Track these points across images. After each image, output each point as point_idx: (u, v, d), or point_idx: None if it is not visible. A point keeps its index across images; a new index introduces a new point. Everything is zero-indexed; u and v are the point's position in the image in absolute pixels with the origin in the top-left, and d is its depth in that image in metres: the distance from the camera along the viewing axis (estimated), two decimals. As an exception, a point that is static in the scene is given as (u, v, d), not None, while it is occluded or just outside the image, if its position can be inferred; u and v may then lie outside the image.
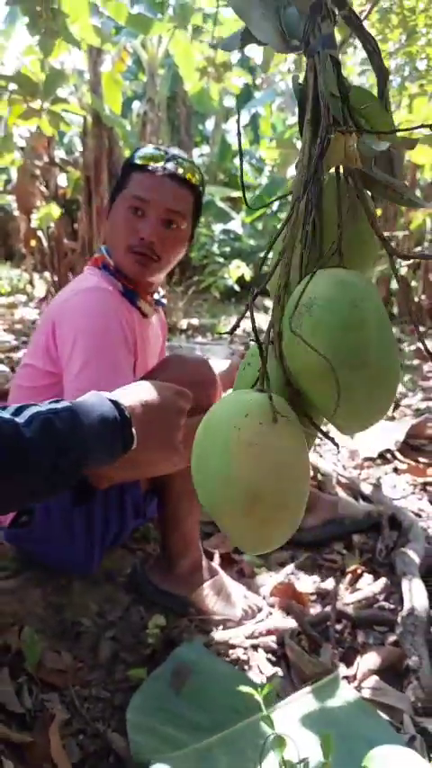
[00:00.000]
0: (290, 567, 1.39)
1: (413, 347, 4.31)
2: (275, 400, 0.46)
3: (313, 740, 0.85)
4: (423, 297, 5.36)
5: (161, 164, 1.14)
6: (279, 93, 7.61)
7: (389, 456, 2.07)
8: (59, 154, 6.14)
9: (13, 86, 2.42)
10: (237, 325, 0.51)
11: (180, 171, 1.14)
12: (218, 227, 7.06)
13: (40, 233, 4.87)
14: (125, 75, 5.29)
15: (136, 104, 7.33)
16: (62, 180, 5.42)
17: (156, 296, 1.25)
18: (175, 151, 1.19)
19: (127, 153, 4.46)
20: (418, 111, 2.96)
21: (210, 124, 8.69)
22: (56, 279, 4.69)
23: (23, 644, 1.02)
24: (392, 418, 2.55)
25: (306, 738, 0.83)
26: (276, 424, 0.45)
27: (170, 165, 1.14)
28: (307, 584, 1.34)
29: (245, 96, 7.72)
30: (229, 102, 7.77)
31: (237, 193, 7.14)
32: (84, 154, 4.24)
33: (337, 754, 0.75)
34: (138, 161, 1.15)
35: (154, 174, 1.13)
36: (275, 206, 6.94)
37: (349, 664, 1.10)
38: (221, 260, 6.59)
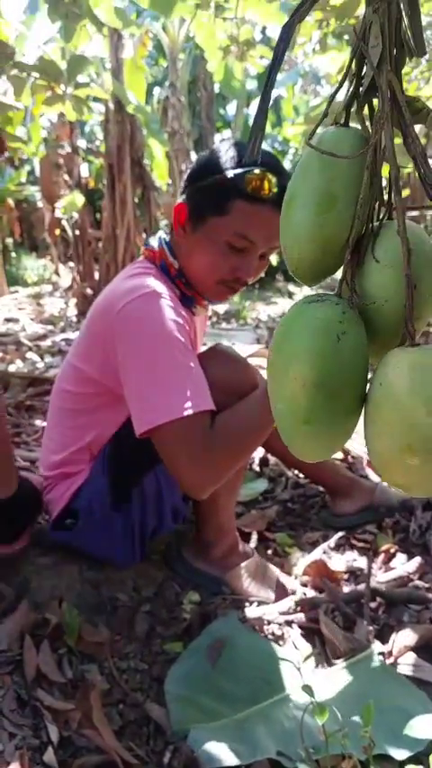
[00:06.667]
0: (322, 547, 1.39)
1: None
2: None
3: (350, 712, 0.85)
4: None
5: (269, 194, 0.98)
6: (302, 75, 7.47)
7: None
8: (81, 144, 6.17)
9: (35, 75, 2.43)
10: None
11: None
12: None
13: (64, 223, 4.91)
14: (146, 60, 5.25)
15: (156, 90, 7.29)
16: (84, 170, 5.43)
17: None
18: (278, 165, 1.03)
19: (150, 141, 4.43)
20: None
21: (231, 108, 8.59)
22: (81, 268, 4.72)
23: (63, 617, 1.05)
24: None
25: (343, 710, 0.83)
26: None
27: (278, 194, 0.98)
28: (339, 563, 1.34)
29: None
30: (251, 85, 7.66)
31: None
32: (106, 141, 4.24)
33: (375, 725, 0.75)
34: (247, 188, 0.98)
35: (263, 207, 0.99)
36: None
37: (384, 641, 1.09)
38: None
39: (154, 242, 1.15)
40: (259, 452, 1.80)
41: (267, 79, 0.47)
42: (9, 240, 7.44)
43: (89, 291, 4.43)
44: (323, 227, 0.43)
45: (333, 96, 0.49)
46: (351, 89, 0.46)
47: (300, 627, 1.12)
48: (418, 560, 1.31)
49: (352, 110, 0.47)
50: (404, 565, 1.31)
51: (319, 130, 0.48)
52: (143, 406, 0.98)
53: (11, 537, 1.18)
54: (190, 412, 0.96)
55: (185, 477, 1.00)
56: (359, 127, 0.46)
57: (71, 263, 4.96)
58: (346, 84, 0.47)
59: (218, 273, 1.06)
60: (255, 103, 7.61)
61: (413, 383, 0.35)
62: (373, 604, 1.19)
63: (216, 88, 7.52)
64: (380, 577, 1.27)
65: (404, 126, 0.43)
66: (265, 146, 1.11)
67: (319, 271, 0.44)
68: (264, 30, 6.90)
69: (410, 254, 0.37)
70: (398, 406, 0.36)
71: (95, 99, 4.08)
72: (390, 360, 0.37)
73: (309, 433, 0.39)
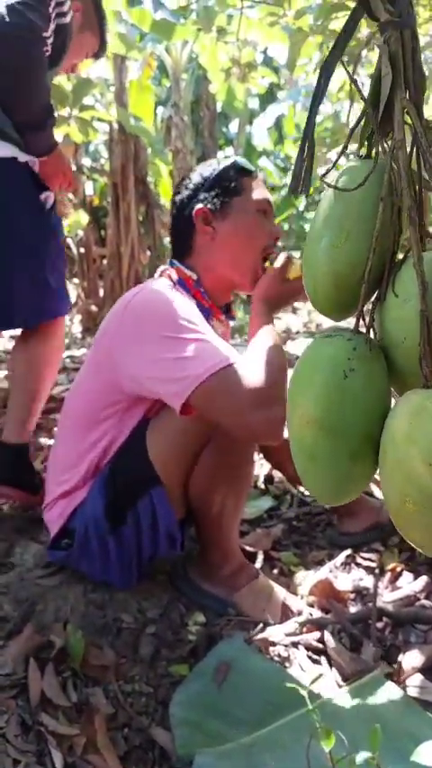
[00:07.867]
0: (328, 566, 1.38)
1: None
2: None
3: (358, 735, 0.84)
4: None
5: (252, 167, 1.25)
6: (304, 94, 7.58)
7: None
8: (85, 162, 6.25)
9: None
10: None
11: None
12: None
13: (69, 240, 4.96)
14: (150, 81, 5.34)
15: (160, 109, 7.39)
16: (88, 188, 5.50)
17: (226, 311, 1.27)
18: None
19: (157, 161, 4.50)
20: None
21: (233, 126, 8.71)
22: (85, 285, 4.76)
23: (67, 640, 1.04)
24: None
25: (351, 733, 0.82)
26: None
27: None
28: (345, 582, 1.33)
29: (268, 97, 7.71)
30: (253, 104, 7.76)
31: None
32: (110, 160, 4.30)
33: (382, 750, 0.75)
34: (245, 166, 1.22)
35: (255, 176, 1.23)
36: (302, 206, 6.91)
37: (392, 662, 1.08)
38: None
39: (166, 266, 1.23)
40: (264, 469, 1.80)
41: (309, 118, 0.48)
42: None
43: (94, 308, 4.47)
44: (335, 261, 0.42)
45: (352, 131, 0.49)
46: (372, 119, 0.45)
47: (306, 648, 1.11)
48: (424, 579, 1.30)
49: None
50: (410, 584, 1.30)
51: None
52: (174, 377, 0.98)
53: (35, 485, 1.22)
54: (224, 364, 0.97)
55: (252, 421, 0.98)
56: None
57: (76, 280, 5.01)
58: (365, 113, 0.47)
59: (260, 242, 1.18)
60: (256, 121, 7.71)
61: (411, 428, 0.32)
62: (379, 624, 1.17)
63: (219, 107, 7.62)
64: (386, 597, 1.26)
65: (422, 153, 0.42)
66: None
67: (339, 305, 0.43)
68: (265, 51, 7.02)
69: (427, 288, 0.35)
70: (396, 453, 0.33)
71: (99, 118, 4.15)
72: (400, 402, 0.35)
73: (315, 471, 0.38)
